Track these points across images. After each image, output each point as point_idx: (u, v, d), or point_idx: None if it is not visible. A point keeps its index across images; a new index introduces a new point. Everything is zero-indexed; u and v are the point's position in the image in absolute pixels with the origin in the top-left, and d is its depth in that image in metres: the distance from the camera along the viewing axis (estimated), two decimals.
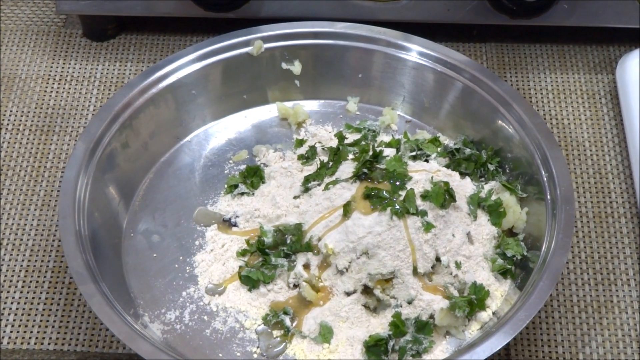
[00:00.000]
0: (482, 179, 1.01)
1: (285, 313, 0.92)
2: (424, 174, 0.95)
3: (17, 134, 1.11)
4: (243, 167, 1.04)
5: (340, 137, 1.05)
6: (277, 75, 1.09)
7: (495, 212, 0.96)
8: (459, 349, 0.89)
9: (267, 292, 0.94)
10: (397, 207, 0.91)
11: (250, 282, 0.94)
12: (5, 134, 1.11)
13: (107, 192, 0.98)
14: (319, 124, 1.09)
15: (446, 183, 0.93)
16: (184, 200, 1.02)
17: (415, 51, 1.06)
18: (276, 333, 0.92)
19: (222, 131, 1.08)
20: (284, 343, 0.91)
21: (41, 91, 1.15)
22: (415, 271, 0.91)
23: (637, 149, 1.04)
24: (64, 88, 1.16)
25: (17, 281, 0.99)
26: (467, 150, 1.02)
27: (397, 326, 0.89)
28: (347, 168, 0.98)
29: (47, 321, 0.96)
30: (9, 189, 1.06)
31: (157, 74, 1.04)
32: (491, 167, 1.01)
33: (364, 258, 0.91)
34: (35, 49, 1.20)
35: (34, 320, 0.96)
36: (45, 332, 0.95)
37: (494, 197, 0.97)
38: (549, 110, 1.14)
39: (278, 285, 0.94)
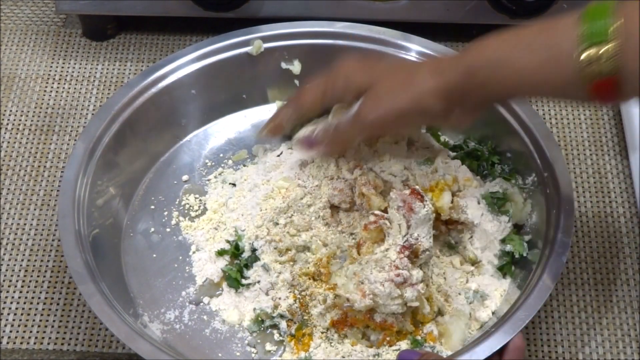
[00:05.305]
0: (485, 176, 1.01)
1: (282, 316, 0.91)
2: None
3: (17, 133, 1.11)
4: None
5: None
6: (277, 75, 1.09)
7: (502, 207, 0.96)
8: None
9: (252, 297, 0.93)
10: None
11: (232, 282, 0.93)
12: (5, 133, 1.11)
13: (107, 192, 0.98)
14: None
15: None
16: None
17: (415, 51, 1.06)
18: (273, 338, 0.91)
19: (221, 131, 1.08)
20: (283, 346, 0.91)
21: (41, 91, 1.15)
22: None
23: (636, 149, 1.04)
24: (63, 88, 1.16)
25: (17, 281, 0.99)
26: (472, 144, 1.02)
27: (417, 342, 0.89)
28: None
29: (47, 321, 0.96)
30: (8, 189, 1.06)
31: (157, 74, 1.04)
32: (495, 162, 1.00)
33: None
34: (34, 49, 1.20)
35: (34, 320, 0.96)
36: (44, 332, 0.95)
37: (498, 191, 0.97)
38: (549, 110, 1.14)
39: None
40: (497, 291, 0.93)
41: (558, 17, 0.79)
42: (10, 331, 0.95)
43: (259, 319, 0.91)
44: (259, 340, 0.91)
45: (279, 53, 1.08)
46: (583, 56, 0.74)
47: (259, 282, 0.93)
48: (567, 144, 1.10)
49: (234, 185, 1.01)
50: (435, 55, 1.03)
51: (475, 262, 0.94)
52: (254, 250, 0.94)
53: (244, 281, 0.93)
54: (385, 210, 0.89)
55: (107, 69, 1.18)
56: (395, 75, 0.89)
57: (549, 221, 0.92)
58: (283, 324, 0.91)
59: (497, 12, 1.12)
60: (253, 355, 0.90)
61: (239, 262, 0.94)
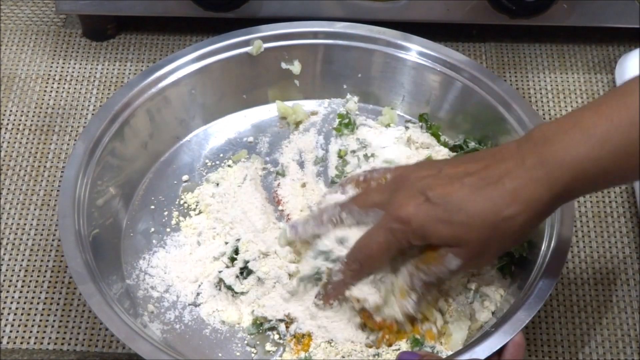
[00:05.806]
0: None
1: (280, 320, 0.91)
2: None
3: (17, 133, 1.11)
4: None
5: None
6: (277, 75, 1.09)
7: None
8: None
9: (249, 301, 0.92)
10: None
11: (226, 287, 0.93)
12: (5, 133, 1.11)
13: (107, 192, 0.98)
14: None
15: None
16: None
17: (414, 51, 1.06)
18: (273, 338, 0.91)
19: (221, 131, 1.08)
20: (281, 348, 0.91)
21: (41, 91, 1.15)
22: None
23: None
24: (63, 88, 1.16)
25: (17, 281, 0.99)
26: (472, 144, 1.02)
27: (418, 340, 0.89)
28: None
29: (47, 321, 0.96)
30: (8, 189, 1.06)
31: (157, 74, 1.04)
32: None
33: None
34: (35, 49, 1.20)
35: (34, 320, 0.96)
36: (44, 332, 0.95)
37: None
38: (549, 110, 1.14)
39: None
40: (497, 291, 0.93)
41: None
42: (10, 331, 0.95)
43: (257, 322, 0.91)
44: (258, 342, 0.91)
45: (279, 53, 1.08)
46: None
47: (255, 290, 0.93)
48: None
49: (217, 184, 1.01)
50: (435, 56, 1.03)
51: None
52: (246, 262, 0.93)
53: (237, 288, 0.92)
54: None
55: (107, 69, 1.18)
56: (487, 232, 0.77)
57: (549, 221, 0.92)
58: (282, 327, 0.91)
59: (497, 12, 1.12)
60: (253, 355, 0.90)
61: (234, 268, 0.93)
